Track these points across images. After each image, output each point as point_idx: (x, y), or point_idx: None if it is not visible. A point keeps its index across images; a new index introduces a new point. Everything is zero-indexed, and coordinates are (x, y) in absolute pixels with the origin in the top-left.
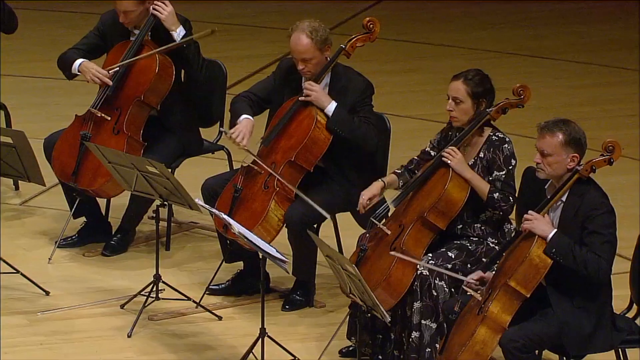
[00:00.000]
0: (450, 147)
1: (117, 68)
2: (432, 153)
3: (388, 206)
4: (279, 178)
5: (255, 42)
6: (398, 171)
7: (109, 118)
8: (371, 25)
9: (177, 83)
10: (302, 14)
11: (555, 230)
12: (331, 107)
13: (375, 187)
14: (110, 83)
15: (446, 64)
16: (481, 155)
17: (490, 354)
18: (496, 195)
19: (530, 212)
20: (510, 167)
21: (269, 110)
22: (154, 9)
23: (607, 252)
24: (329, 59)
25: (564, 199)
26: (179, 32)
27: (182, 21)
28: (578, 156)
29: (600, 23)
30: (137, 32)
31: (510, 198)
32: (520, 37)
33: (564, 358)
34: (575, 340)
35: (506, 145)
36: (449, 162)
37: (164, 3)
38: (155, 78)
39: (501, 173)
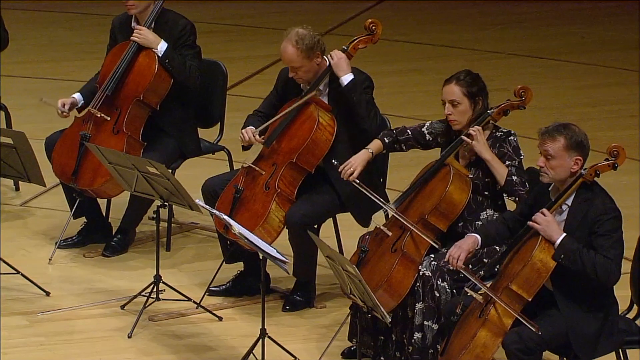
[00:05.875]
0: (475, 127)
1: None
2: (428, 137)
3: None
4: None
5: (256, 42)
6: (386, 140)
7: (109, 118)
8: (373, 27)
9: (174, 85)
10: (302, 14)
11: (564, 235)
12: (349, 76)
13: (363, 156)
14: (62, 116)
15: (447, 65)
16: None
17: (490, 357)
18: (515, 178)
19: (544, 210)
20: (520, 158)
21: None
22: (133, 36)
23: (616, 254)
24: (325, 61)
25: (569, 202)
26: (160, 49)
27: (183, 25)
28: (581, 159)
29: (600, 23)
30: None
31: (527, 184)
32: (520, 38)
33: (565, 358)
34: (584, 344)
35: (512, 137)
36: (471, 142)
37: (138, 28)
38: (155, 78)
39: (513, 162)
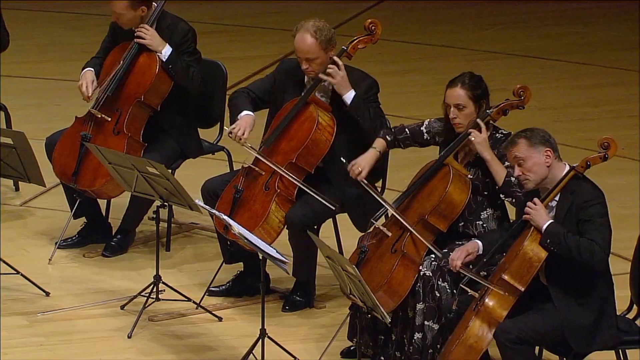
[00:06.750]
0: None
1: (99, 90)
2: (426, 136)
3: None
4: (284, 172)
5: (255, 42)
6: (388, 138)
7: (109, 119)
8: (373, 27)
9: (175, 85)
10: (302, 14)
11: (550, 221)
12: (351, 94)
13: (371, 156)
14: (87, 98)
15: (446, 65)
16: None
17: (484, 349)
18: (513, 179)
19: (535, 199)
20: None
21: (268, 110)
22: (137, 35)
23: (601, 237)
24: (333, 58)
25: (557, 198)
26: (164, 53)
27: (185, 31)
28: (550, 149)
29: (600, 23)
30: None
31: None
32: (520, 38)
33: (564, 358)
34: (579, 336)
35: None
36: (473, 139)
37: (144, 28)
38: (156, 79)
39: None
